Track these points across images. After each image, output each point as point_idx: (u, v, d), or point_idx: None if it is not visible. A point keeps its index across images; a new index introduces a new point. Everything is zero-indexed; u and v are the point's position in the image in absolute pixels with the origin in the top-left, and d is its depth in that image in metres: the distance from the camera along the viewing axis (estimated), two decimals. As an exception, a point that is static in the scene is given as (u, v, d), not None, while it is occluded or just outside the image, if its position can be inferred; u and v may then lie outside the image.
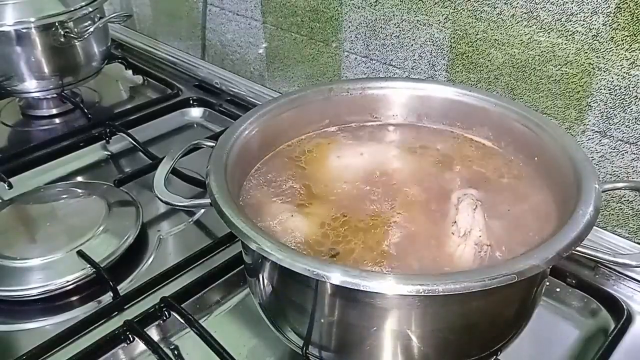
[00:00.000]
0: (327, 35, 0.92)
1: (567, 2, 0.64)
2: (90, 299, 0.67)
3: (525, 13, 0.68)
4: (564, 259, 0.42)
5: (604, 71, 0.64)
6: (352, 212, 0.54)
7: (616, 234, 0.70)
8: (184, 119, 1.05)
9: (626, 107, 0.64)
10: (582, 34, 0.64)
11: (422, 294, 0.39)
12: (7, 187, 0.84)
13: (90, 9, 1.00)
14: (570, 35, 0.65)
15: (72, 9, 0.98)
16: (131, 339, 0.60)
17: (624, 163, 0.67)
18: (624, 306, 0.62)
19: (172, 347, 0.62)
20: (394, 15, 0.81)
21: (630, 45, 0.62)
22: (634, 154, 0.66)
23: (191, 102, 1.06)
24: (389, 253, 0.50)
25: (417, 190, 0.57)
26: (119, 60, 1.19)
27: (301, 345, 0.50)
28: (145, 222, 0.77)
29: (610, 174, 0.68)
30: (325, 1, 0.89)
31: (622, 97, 0.64)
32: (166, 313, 0.62)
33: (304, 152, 0.63)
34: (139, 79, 1.18)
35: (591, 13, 0.63)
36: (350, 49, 0.90)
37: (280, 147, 0.63)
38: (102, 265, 0.67)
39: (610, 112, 0.66)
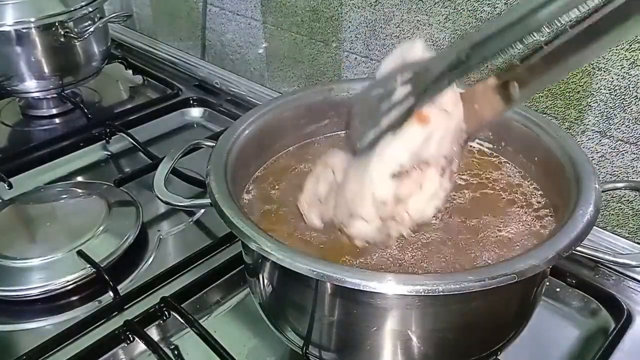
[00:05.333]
0: (327, 35, 0.92)
1: (567, 2, 0.64)
2: (90, 299, 0.67)
3: (525, 13, 0.68)
4: (564, 259, 0.42)
5: (604, 71, 0.64)
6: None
7: (616, 234, 0.70)
8: (184, 119, 1.05)
9: (626, 107, 0.64)
10: (582, 34, 0.64)
11: (422, 294, 0.39)
12: (7, 187, 0.84)
13: (90, 9, 1.00)
14: (570, 35, 0.65)
15: (72, 9, 0.98)
16: (131, 339, 0.60)
17: (624, 163, 0.67)
18: (624, 306, 0.62)
19: (172, 347, 0.62)
20: (394, 15, 0.81)
21: (630, 45, 0.62)
22: (634, 154, 0.66)
23: (191, 102, 1.06)
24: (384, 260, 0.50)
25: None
26: (119, 60, 1.19)
27: (301, 345, 0.50)
28: (145, 222, 0.77)
29: (610, 174, 0.68)
30: (325, 1, 0.89)
31: (622, 97, 0.64)
32: (166, 313, 0.62)
33: (304, 152, 0.63)
34: (139, 79, 1.18)
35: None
36: (350, 49, 0.90)
37: (280, 147, 0.63)
38: (102, 265, 0.67)
39: (610, 112, 0.66)
